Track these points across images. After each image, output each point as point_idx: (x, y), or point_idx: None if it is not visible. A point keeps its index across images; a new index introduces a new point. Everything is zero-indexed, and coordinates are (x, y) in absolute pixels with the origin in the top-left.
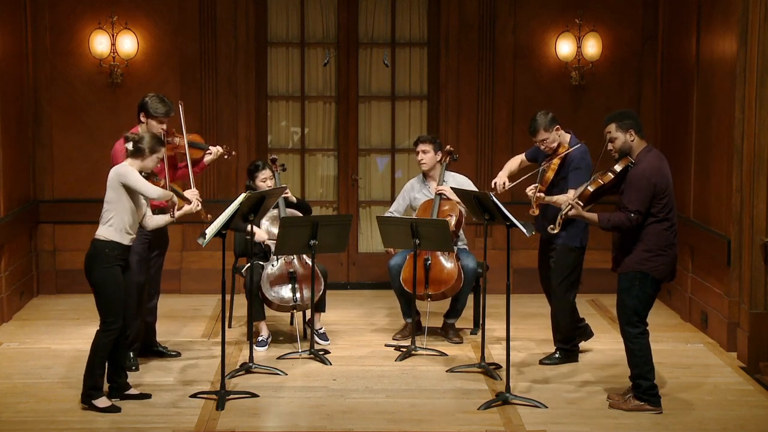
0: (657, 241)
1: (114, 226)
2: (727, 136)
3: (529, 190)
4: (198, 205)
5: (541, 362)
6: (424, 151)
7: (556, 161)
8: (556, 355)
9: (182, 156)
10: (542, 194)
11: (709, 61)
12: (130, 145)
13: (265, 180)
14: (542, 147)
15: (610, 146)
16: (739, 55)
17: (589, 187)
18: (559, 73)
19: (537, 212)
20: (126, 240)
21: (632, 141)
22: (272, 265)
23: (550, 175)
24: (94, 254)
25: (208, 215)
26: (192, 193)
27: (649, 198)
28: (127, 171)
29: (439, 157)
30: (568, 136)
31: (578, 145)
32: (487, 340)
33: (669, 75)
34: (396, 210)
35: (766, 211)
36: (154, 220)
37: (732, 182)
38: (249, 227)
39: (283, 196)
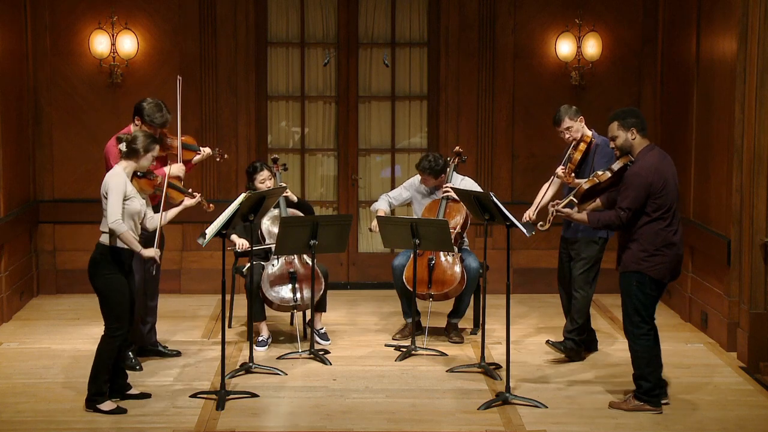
0: (653, 240)
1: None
2: (727, 136)
3: (560, 170)
4: (197, 197)
5: (547, 342)
6: (425, 181)
7: (582, 145)
8: (565, 343)
9: (174, 156)
10: (573, 174)
11: (709, 61)
12: (123, 146)
13: (263, 181)
14: (566, 136)
15: (611, 144)
16: (739, 55)
17: (584, 185)
18: (559, 73)
19: (569, 180)
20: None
21: (633, 139)
22: (273, 265)
23: (577, 156)
24: (98, 260)
25: (211, 205)
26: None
27: (642, 197)
28: (110, 185)
29: (450, 168)
30: (590, 132)
31: (603, 137)
32: (487, 340)
33: (669, 75)
34: (395, 197)
35: (766, 211)
36: (153, 221)
37: (732, 182)
38: (233, 238)
39: (283, 195)
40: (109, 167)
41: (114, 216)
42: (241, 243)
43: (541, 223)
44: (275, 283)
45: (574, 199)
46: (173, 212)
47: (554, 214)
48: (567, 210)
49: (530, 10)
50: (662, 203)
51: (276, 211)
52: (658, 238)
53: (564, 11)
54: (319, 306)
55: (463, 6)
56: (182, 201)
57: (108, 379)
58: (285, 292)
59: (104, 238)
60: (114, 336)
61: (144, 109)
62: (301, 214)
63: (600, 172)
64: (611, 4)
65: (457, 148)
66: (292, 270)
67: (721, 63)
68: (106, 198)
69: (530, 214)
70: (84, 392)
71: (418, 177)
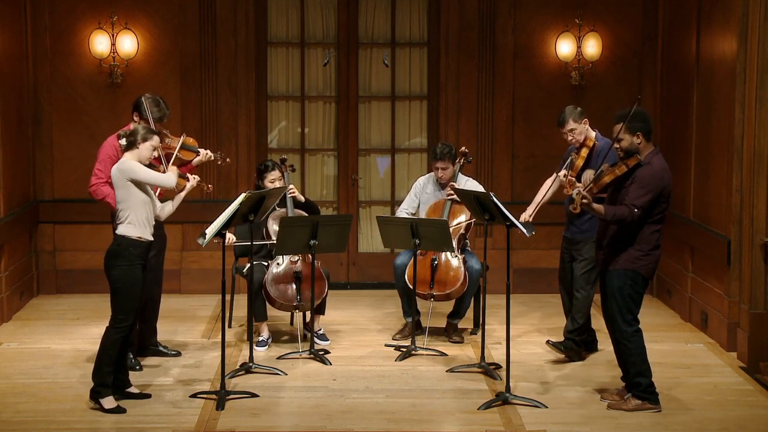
0: (649, 240)
1: (134, 222)
2: (727, 136)
3: (561, 174)
4: (196, 178)
5: (547, 342)
6: (443, 169)
7: (584, 150)
8: (565, 343)
9: (172, 157)
10: (573, 179)
11: (709, 61)
12: (123, 141)
13: (273, 181)
14: (570, 138)
15: (616, 145)
16: (739, 55)
17: (605, 178)
18: (559, 73)
19: (570, 191)
20: (148, 234)
21: (639, 143)
22: (278, 264)
23: (580, 162)
24: (118, 251)
25: (209, 185)
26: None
27: (654, 198)
28: (132, 166)
29: (456, 168)
30: (594, 133)
31: (606, 139)
32: (487, 340)
33: (669, 75)
34: (409, 207)
35: (766, 211)
36: (164, 210)
37: (732, 182)
38: (227, 235)
39: (290, 195)
40: (100, 162)
41: (163, 179)
42: (229, 237)
43: (573, 206)
44: (279, 282)
45: (594, 187)
46: (178, 199)
47: (582, 198)
48: (589, 197)
49: (530, 10)
50: (665, 207)
51: (282, 211)
52: (653, 239)
53: (564, 11)
54: (319, 309)
55: (463, 6)
56: (185, 186)
57: (111, 372)
58: (289, 291)
59: (122, 230)
60: (119, 327)
61: (142, 105)
62: (306, 215)
63: (614, 167)
64: (611, 4)
65: (463, 148)
66: (297, 270)
67: (721, 63)
68: (130, 183)
69: (527, 215)
70: (84, 392)
71: (421, 179)
